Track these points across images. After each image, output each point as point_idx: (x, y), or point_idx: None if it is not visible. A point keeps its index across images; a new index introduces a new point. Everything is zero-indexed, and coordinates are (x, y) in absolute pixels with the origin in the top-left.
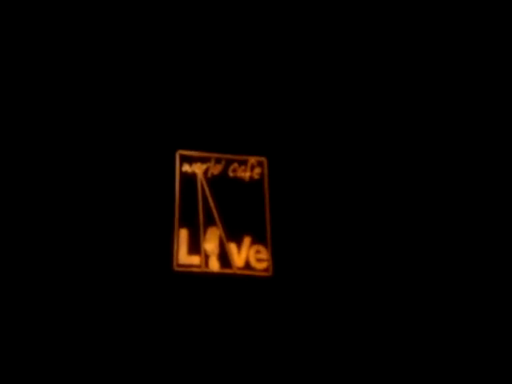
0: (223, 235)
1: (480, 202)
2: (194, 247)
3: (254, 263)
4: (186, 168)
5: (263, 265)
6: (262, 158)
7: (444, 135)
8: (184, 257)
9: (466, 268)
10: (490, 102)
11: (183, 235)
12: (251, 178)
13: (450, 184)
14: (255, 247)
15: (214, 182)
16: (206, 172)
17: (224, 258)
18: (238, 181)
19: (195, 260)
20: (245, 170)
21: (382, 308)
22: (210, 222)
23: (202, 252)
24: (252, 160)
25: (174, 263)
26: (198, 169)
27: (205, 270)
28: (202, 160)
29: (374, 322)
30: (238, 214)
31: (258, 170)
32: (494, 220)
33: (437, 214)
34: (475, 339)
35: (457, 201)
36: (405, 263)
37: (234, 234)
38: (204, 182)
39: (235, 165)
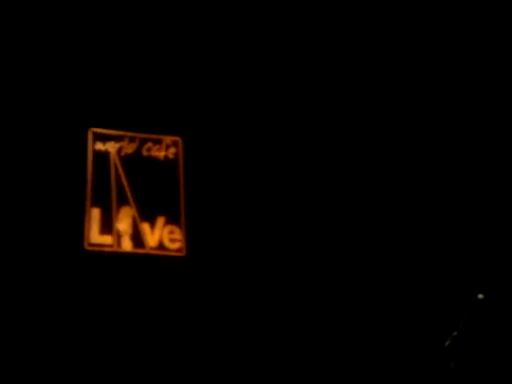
0: (136, 215)
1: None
2: (106, 227)
3: (167, 243)
4: (99, 146)
5: (177, 245)
6: (177, 138)
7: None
8: (96, 236)
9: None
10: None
11: (95, 214)
12: (166, 157)
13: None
14: (169, 227)
15: (127, 160)
16: (119, 151)
17: (137, 238)
18: (153, 160)
19: (107, 239)
20: (159, 150)
21: (291, 289)
22: (122, 201)
23: (114, 231)
24: (167, 139)
25: (86, 242)
26: (111, 147)
27: (117, 249)
28: (116, 138)
29: (282, 302)
30: (152, 193)
31: (172, 150)
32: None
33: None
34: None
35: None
36: (315, 239)
37: (147, 213)
38: (117, 161)
39: (149, 144)
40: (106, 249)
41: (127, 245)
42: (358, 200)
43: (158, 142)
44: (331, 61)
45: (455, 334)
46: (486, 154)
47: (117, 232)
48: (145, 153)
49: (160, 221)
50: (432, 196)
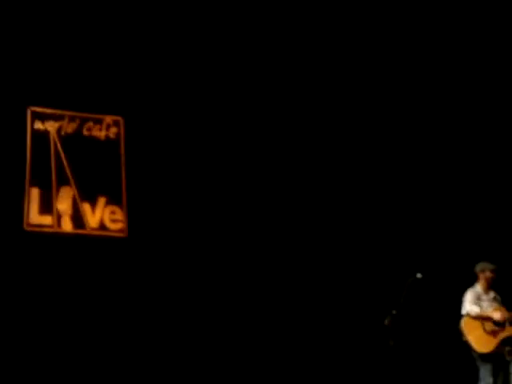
0: (77, 195)
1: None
2: (46, 207)
3: (108, 224)
4: (39, 125)
5: (118, 226)
6: (119, 118)
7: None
8: (35, 216)
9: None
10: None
11: (34, 194)
12: (107, 137)
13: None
14: (110, 208)
15: (67, 140)
16: (59, 130)
17: (77, 219)
18: (94, 140)
19: (47, 220)
20: (100, 129)
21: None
22: (63, 181)
23: (54, 212)
24: (108, 119)
25: (25, 223)
26: (50, 127)
27: (57, 230)
28: (56, 118)
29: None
30: (93, 173)
31: (114, 130)
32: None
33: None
34: None
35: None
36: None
37: (88, 194)
38: (57, 141)
39: (90, 123)
40: (46, 229)
41: (67, 225)
42: (284, 179)
43: (98, 121)
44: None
45: (394, 312)
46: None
47: (57, 212)
48: (85, 132)
49: (101, 201)
50: (371, 179)
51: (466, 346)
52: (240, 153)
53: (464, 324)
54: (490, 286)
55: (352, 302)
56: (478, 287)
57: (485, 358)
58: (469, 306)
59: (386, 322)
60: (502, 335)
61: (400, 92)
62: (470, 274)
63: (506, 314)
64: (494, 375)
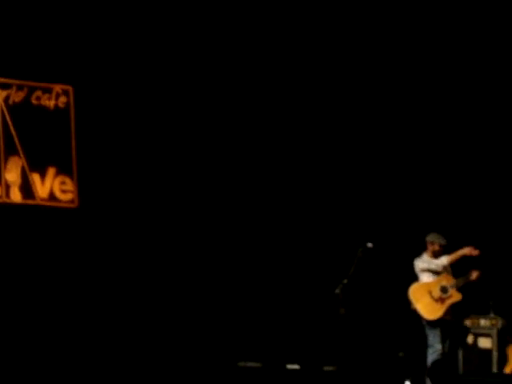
0: (26, 165)
1: None
2: None
3: (58, 194)
4: None
5: (68, 196)
6: (68, 87)
7: None
8: None
9: None
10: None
11: None
12: (56, 106)
13: None
14: (60, 178)
15: (15, 109)
16: (6, 99)
17: (27, 189)
18: (42, 109)
19: None
20: (49, 99)
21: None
22: (11, 151)
23: (2, 182)
24: (57, 88)
25: None
26: None
27: (5, 200)
28: (3, 86)
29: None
30: (42, 143)
31: (63, 99)
32: None
33: None
34: None
35: None
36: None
37: (37, 164)
38: (5, 110)
39: (39, 92)
40: None
41: (16, 196)
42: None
43: (47, 90)
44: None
45: (345, 281)
46: None
47: (5, 183)
48: (34, 101)
49: (51, 171)
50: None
51: (415, 314)
52: (190, 118)
53: (412, 292)
54: (438, 256)
55: (303, 271)
56: (425, 256)
57: (433, 324)
58: (419, 273)
59: (337, 291)
60: (449, 301)
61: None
62: (420, 243)
63: (447, 281)
64: (443, 341)
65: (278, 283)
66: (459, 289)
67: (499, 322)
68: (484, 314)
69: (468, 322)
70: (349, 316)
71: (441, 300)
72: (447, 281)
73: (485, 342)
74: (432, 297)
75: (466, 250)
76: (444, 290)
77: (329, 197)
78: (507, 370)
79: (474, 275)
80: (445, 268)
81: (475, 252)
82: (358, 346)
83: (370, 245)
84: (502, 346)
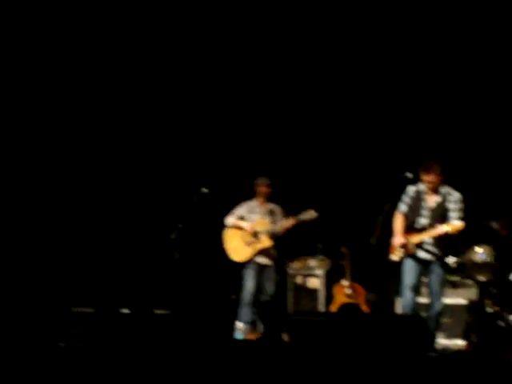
0: None
1: None
2: None
3: None
4: None
5: None
6: None
7: None
8: None
9: None
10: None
11: None
12: None
13: None
14: None
15: None
16: None
17: None
18: None
19: None
20: None
21: None
22: None
23: None
24: None
25: None
26: None
27: None
28: None
29: None
30: None
31: None
32: None
33: None
34: None
35: None
36: None
37: None
38: None
39: None
40: None
41: None
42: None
43: None
44: None
45: (180, 226)
46: None
47: None
48: None
49: None
50: None
51: None
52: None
53: (225, 233)
54: (267, 200)
55: (138, 217)
56: (254, 200)
57: (245, 265)
58: (229, 216)
59: (173, 235)
60: (258, 246)
61: None
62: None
63: (260, 226)
64: (261, 283)
65: (112, 228)
66: (272, 236)
67: (327, 263)
68: (312, 255)
69: (297, 263)
70: (183, 260)
71: (250, 244)
72: (261, 226)
73: (313, 283)
74: (242, 240)
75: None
76: (255, 235)
77: (160, 144)
78: (332, 309)
79: (309, 216)
80: (271, 213)
81: (289, 224)
82: (192, 289)
83: (204, 190)
84: (328, 285)
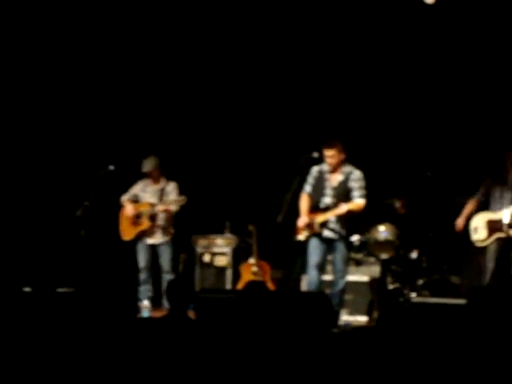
0: None
1: None
2: None
3: None
4: None
5: None
6: None
7: None
8: None
9: None
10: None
11: None
12: None
13: None
14: None
15: None
16: None
17: None
18: None
19: None
20: None
21: None
22: None
23: None
24: None
25: None
26: None
27: None
28: None
29: None
30: None
31: None
32: None
33: None
34: None
35: None
36: None
37: None
38: None
39: None
40: None
41: None
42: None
43: None
44: None
45: (86, 203)
46: None
47: None
48: None
49: None
50: None
51: None
52: None
53: (120, 212)
54: (157, 179)
55: (43, 193)
56: (146, 180)
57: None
58: (124, 195)
59: (78, 213)
60: (139, 228)
61: None
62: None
63: (143, 207)
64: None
65: (16, 205)
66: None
67: (234, 241)
68: (220, 232)
69: (204, 241)
70: (88, 237)
71: (134, 224)
72: (144, 207)
73: (221, 261)
74: (130, 220)
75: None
76: (139, 215)
77: (66, 122)
78: (239, 286)
79: (179, 201)
80: (162, 192)
81: (162, 208)
82: (97, 267)
83: (111, 167)
84: (236, 263)
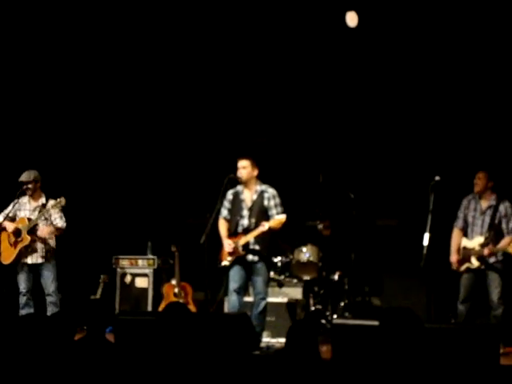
0: None
1: None
2: None
3: None
4: None
5: None
6: None
7: None
8: None
9: None
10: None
11: None
12: None
13: None
14: None
15: None
16: None
17: None
18: None
19: None
20: None
21: None
22: None
23: None
24: None
25: None
26: None
27: None
28: None
29: None
30: None
31: None
32: None
33: None
34: None
35: None
36: None
37: None
38: None
39: None
40: None
41: None
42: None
43: None
44: None
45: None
46: None
47: None
48: None
49: None
50: None
51: None
52: None
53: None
54: (34, 197)
55: None
56: (25, 197)
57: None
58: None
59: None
60: (21, 245)
61: None
62: None
63: (21, 223)
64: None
65: None
66: None
67: (156, 262)
68: (142, 253)
69: (126, 262)
70: None
71: (14, 244)
72: (22, 223)
73: (142, 282)
74: (8, 241)
75: None
76: (17, 233)
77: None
78: (161, 307)
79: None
80: (41, 208)
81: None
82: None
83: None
84: (157, 285)
